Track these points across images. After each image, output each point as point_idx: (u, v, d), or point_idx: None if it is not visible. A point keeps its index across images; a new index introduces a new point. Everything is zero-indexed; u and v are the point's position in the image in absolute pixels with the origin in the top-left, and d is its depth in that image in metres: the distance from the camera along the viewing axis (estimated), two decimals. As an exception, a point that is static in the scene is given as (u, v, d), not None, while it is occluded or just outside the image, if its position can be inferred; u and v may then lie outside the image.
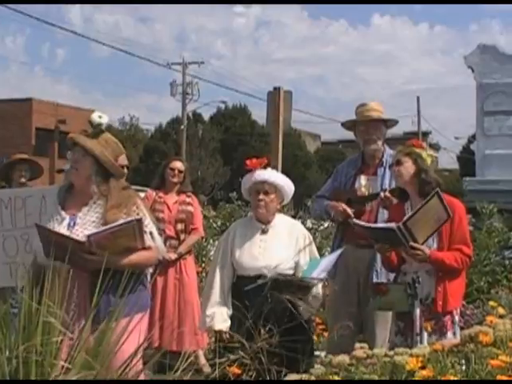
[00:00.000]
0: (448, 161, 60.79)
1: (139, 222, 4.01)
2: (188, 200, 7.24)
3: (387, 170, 5.84)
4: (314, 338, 7.49)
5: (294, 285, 4.80)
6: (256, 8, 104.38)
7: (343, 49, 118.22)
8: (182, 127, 43.88)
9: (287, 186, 5.21)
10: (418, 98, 52.51)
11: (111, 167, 4.19)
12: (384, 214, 5.68)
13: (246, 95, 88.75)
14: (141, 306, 4.00)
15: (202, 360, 6.91)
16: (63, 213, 4.20)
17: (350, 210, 5.71)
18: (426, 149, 5.21)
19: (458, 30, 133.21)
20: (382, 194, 5.57)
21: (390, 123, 6.11)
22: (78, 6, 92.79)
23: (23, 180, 7.74)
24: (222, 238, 5.32)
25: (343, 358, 3.79)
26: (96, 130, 4.26)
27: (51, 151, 42.86)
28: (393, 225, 4.86)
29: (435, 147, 61.69)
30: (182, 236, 7.00)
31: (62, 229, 4.12)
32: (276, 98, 10.18)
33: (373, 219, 5.68)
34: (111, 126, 48.09)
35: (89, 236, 3.97)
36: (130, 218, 4.02)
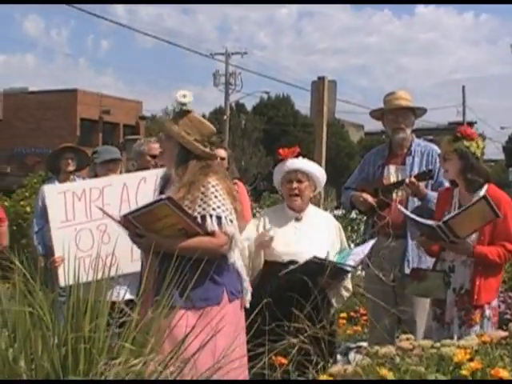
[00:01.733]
0: (493, 151, 60.06)
1: (171, 200, 3.73)
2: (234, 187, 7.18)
3: (416, 158, 5.84)
4: (359, 328, 7.50)
5: (327, 269, 4.77)
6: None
7: (387, 38, 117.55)
8: (225, 117, 43.96)
9: (319, 173, 5.20)
10: (463, 88, 52.03)
11: (194, 148, 4.02)
12: (414, 202, 5.68)
13: (289, 85, 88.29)
14: (208, 301, 3.85)
15: None
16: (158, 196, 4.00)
17: (371, 199, 5.72)
18: (477, 138, 5.09)
19: (503, 19, 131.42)
20: (407, 180, 5.56)
21: (418, 112, 6.07)
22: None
23: (71, 168, 7.78)
24: (250, 225, 5.21)
25: (389, 350, 3.76)
26: (181, 111, 4.09)
27: (95, 141, 43.20)
28: (433, 223, 4.82)
29: (481, 137, 60.96)
30: None
31: None
32: (320, 88, 10.11)
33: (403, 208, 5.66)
34: (155, 116, 48.39)
35: (125, 215, 3.83)
36: (160, 197, 3.81)
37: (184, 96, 4.07)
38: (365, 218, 6.33)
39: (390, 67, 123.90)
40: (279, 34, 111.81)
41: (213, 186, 3.91)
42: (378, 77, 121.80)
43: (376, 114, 6.11)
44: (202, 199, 3.88)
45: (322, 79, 10.21)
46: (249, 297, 4.10)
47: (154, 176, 5.09)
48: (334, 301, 4.99)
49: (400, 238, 5.63)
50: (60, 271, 4.95)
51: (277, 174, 5.21)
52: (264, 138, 47.15)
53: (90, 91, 44.74)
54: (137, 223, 3.81)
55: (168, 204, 3.72)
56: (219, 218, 3.87)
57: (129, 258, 4.57)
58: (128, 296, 3.80)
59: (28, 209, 10.92)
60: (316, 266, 4.73)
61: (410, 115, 5.93)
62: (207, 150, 4.08)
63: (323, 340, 4.03)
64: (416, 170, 5.77)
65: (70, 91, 43.46)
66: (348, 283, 5.12)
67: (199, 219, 3.86)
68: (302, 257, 4.83)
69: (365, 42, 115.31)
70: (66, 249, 4.85)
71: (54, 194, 5.19)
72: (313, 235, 5.04)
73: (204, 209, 3.88)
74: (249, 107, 52.52)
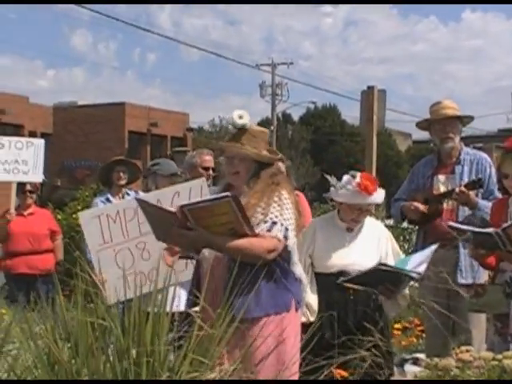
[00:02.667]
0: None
1: (235, 198, 3.73)
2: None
3: (465, 167, 5.81)
4: (413, 339, 7.43)
5: (391, 277, 4.72)
6: (344, 7, 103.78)
7: (433, 46, 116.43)
8: (272, 128, 44.02)
9: (382, 196, 5.08)
10: (512, 95, 51.31)
11: (267, 160, 4.12)
12: (465, 211, 5.63)
13: (335, 95, 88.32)
14: (278, 305, 3.86)
15: None
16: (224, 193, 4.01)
17: (422, 207, 5.69)
18: None
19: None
20: (457, 190, 5.53)
21: (465, 120, 6.05)
22: (167, 11, 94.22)
23: (122, 182, 7.88)
24: (305, 234, 5.03)
25: (449, 362, 3.71)
26: (241, 132, 4.12)
27: (144, 154, 43.58)
28: (491, 230, 4.73)
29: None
30: None
31: None
32: (370, 97, 10.09)
33: (454, 217, 5.61)
34: (202, 128, 48.64)
35: (182, 206, 3.78)
36: (225, 193, 3.80)
37: (240, 117, 4.11)
38: (416, 227, 6.29)
39: (436, 75, 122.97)
40: (324, 44, 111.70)
41: (285, 198, 3.98)
42: (424, 85, 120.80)
43: (423, 125, 6.11)
44: (275, 207, 3.93)
45: (371, 89, 10.19)
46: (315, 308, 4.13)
47: (187, 189, 5.19)
48: (389, 309, 4.92)
49: (451, 247, 5.56)
50: (107, 292, 4.98)
51: (346, 196, 5.00)
52: (311, 148, 47.11)
53: (137, 104, 45.16)
54: (190, 216, 3.76)
55: (231, 202, 3.71)
56: (286, 230, 3.91)
57: (172, 271, 4.58)
58: (182, 308, 3.82)
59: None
60: (382, 274, 4.68)
61: (457, 124, 5.91)
62: (274, 155, 4.20)
63: (386, 352, 4.00)
64: (466, 179, 5.74)
65: (118, 104, 43.91)
66: (405, 291, 5.06)
67: (269, 224, 3.89)
68: (353, 268, 4.81)
69: (410, 50, 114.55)
70: (109, 269, 4.90)
71: (89, 219, 5.27)
72: (364, 246, 5.00)
73: (276, 216, 3.92)
74: (295, 117, 52.60)
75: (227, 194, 3.77)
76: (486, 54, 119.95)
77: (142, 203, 4.03)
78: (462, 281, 5.60)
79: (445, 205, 5.75)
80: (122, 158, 8.23)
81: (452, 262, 5.61)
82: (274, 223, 3.89)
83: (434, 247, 5.18)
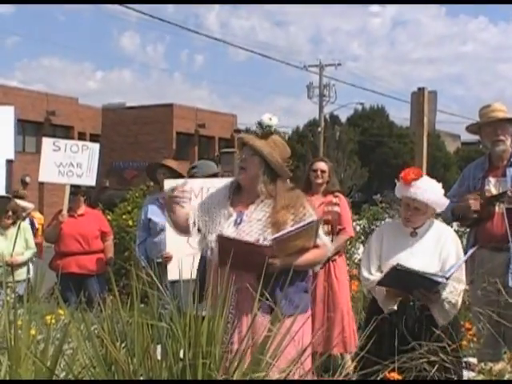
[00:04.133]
0: None
1: (318, 222, 4.07)
2: (335, 200, 7.07)
3: None
4: (464, 343, 7.34)
5: (421, 280, 4.69)
6: (392, 7, 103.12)
7: (483, 46, 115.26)
8: (320, 129, 43.94)
9: (438, 200, 4.95)
10: None
11: (278, 168, 4.24)
12: None
13: (383, 96, 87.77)
14: (303, 308, 4.03)
15: (349, 363, 6.84)
16: (231, 209, 4.28)
17: (476, 202, 5.67)
18: None
19: None
20: (509, 193, 5.53)
21: None
22: (215, 12, 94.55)
23: (164, 185, 7.98)
24: (373, 238, 5.21)
25: (503, 366, 3.68)
26: (266, 132, 4.29)
27: (192, 155, 43.82)
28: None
29: None
30: (329, 238, 6.85)
31: (228, 225, 4.20)
32: (420, 99, 10.02)
33: (505, 220, 5.57)
34: (249, 129, 48.75)
35: (274, 239, 4.00)
36: (311, 219, 4.07)
37: (270, 119, 4.30)
38: (467, 230, 6.24)
39: (486, 75, 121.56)
40: (372, 45, 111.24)
41: (308, 206, 4.24)
42: (473, 85, 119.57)
43: (473, 128, 6.10)
44: (304, 219, 4.14)
45: (421, 90, 10.11)
46: None
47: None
48: (437, 317, 4.86)
49: (502, 250, 5.57)
50: (170, 267, 5.04)
51: (397, 193, 5.06)
52: (359, 149, 46.90)
53: (185, 105, 45.42)
54: (276, 245, 3.98)
55: (314, 226, 4.07)
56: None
57: None
58: None
59: (130, 222, 11.12)
60: (409, 277, 4.65)
61: (507, 126, 5.88)
62: (286, 170, 4.33)
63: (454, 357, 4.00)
64: None
65: (166, 106, 44.21)
66: (453, 298, 4.94)
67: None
68: None
69: (460, 51, 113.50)
70: (178, 245, 4.97)
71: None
72: (425, 250, 4.92)
73: None
74: (343, 119, 52.39)
75: (313, 219, 4.08)
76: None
77: (224, 240, 4.08)
78: None
79: (496, 207, 5.70)
80: (163, 162, 8.23)
81: (503, 266, 5.57)
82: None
83: (471, 250, 5.13)
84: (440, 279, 4.65)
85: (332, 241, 6.74)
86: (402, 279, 4.65)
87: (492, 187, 5.81)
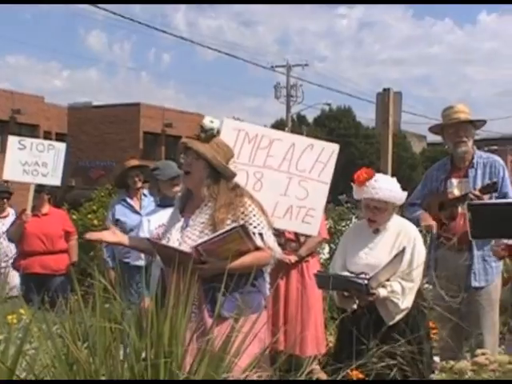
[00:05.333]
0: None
1: (243, 227, 4.04)
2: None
3: (478, 171, 5.84)
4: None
5: (342, 281, 4.77)
6: (359, 8, 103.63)
7: (449, 48, 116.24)
8: (287, 129, 43.94)
9: (395, 195, 5.01)
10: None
11: (223, 170, 4.28)
12: None
13: (350, 96, 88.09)
14: (256, 308, 3.99)
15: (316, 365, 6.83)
16: (179, 215, 4.36)
17: (433, 223, 5.69)
18: None
19: None
20: (470, 195, 5.56)
21: (478, 124, 6.08)
22: (182, 12, 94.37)
23: (139, 185, 7.98)
24: (342, 239, 5.37)
25: (465, 364, 3.72)
26: (208, 135, 4.32)
27: (158, 154, 43.68)
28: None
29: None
30: (302, 239, 6.85)
31: (176, 230, 4.27)
32: (385, 100, 10.05)
33: (466, 221, 5.60)
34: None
35: (195, 247, 4.06)
36: (233, 225, 4.06)
37: (211, 121, 4.37)
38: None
39: (452, 77, 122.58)
40: (339, 45, 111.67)
41: (249, 205, 4.23)
42: (440, 87, 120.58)
43: (435, 129, 6.14)
44: (243, 218, 4.17)
45: (387, 91, 10.14)
46: None
47: (320, 147, 5.31)
48: (384, 315, 4.88)
49: (465, 251, 5.65)
50: None
51: (355, 195, 5.12)
52: (325, 149, 47.02)
53: (152, 105, 45.26)
54: (203, 251, 4.05)
55: (240, 231, 4.03)
56: (261, 235, 4.20)
57: (270, 213, 4.71)
58: None
59: (95, 222, 11.09)
60: (329, 280, 4.72)
61: (470, 128, 5.94)
62: (230, 170, 4.36)
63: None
64: (479, 183, 5.78)
65: (133, 105, 44.03)
66: (395, 297, 4.83)
67: (258, 236, 4.19)
68: (368, 270, 4.81)
69: (426, 52, 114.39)
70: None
71: (230, 129, 5.17)
72: (384, 247, 4.96)
73: (256, 226, 4.19)
74: (310, 119, 52.55)
75: (236, 225, 4.05)
76: (502, 56, 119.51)
77: (158, 246, 4.23)
78: (475, 284, 5.64)
79: (459, 208, 5.75)
80: (136, 163, 8.24)
81: (465, 266, 5.64)
82: (261, 234, 4.19)
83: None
84: (361, 281, 4.69)
85: (305, 242, 6.72)
86: (332, 282, 4.71)
87: (455, 188, 5.87)
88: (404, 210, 6.13)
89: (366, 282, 4.64)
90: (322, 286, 5.03)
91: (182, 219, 4.33)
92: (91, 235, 4.59)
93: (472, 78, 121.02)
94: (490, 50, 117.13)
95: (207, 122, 4.36)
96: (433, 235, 5.93)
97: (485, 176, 5.80)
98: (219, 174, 4.28)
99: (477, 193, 5.54)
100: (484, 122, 6.11)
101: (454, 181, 5.90)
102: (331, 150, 5.33)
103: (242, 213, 4.17)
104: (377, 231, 5.03)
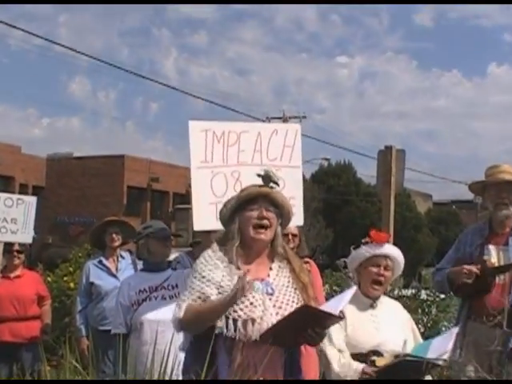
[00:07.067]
0: None
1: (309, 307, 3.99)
2: (306, 267, 6.99)
3: None
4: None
5: (415, 366, 4.65)
6: (360, 58, 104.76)
7: (456, 101, 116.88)
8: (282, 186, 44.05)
9: (402, 260, 5.08)
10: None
11: (287, 225, 4.26)
12: None
13: (350, 152, 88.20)
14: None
15: None
16: (250, 278, 3.90)
17: (476, 269, 5.52)
18: None
19: None
20: None
21: None
22: (172, 59, 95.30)
23: (116, 244, 7.85)
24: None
25: None
26: (274, 185, 4.20)
27: (143, 211, 43.67)
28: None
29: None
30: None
31: (261, 297, 3.98)
32: (387, 158, 10.11)
33: (506, 294, 5.50)
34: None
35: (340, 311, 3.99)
36: (301, 305, 3.97)
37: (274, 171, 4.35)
38: (454, 299, 6.13)
39: (459, 132, 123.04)
40: (339, 97, 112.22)
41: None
42: (446, 143, 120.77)
43: (476, 188, 6.00)
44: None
45: (389, 148, 10.22)
46: None
47: (284, 130, 5.53)
48: None
49: (499, 326, 5.42)
50: (195, 215, 5.09)
51: (361, 254, 5.03)
52: (323, 208, 46.98)
53: (138, 157, 45.39)
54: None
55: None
56: None
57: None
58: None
59: (72, 285, 10.99)
60: (409, 365, 4.63)
61: None
62: None
63: None
64: None
65: (117, 157, 44.18)
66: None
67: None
68: (386, 347, 4.78)
69: (432, 106, 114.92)
70: (202, 191, 5.18)
71: (197, 132, 5.33)
72: (391, 324, 4.94)
73: None
74: (307, 175, 52.45)
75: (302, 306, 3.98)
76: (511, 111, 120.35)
77: (306, 308, 4.00)
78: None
79: (497, 278, 5.61)
80: (115, 218, 8.19)
81: (500, 343, 5.35)
82: None
83: (455, 331, 5.01)
84: (441, 363, 4.65)
85: None
86: (400, 367, 4.64)
87: (492, 256, 5.68)
88: (432, 276, 6.07)
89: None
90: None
91: (257, 282, 3.99)
92: None
93: (480, 134, 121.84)
94: (500, 104, 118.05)
95: (270, 170, 4.23)
96: (464, 305, 5.79)
97: None
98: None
99: None
100: None
101: (492, 248, 5.72)
102: (294, 130, 5.61)
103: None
104: (375, 305, 5.00)
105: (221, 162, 5.25)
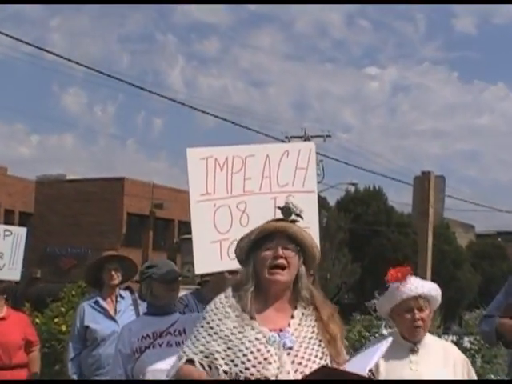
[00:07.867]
0: None
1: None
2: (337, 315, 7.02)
3: None
4: None
5: None
6: (392, 69, 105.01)
7: (501, 118, 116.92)
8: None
9: (438, 293, 5.03)
10: None
11: (313, 266, 4.24)
12: None
13: (381, 176, 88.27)
14: None
15: None
16: (264, 329, 3.94)
17: None
18: None
19: None
20: None
21: None
22: (178, 69, 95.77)
23: (116, 282, 7.82)
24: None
25: None
26: (295, 218, 4.15)
27: (145, 242, 43.75)
28: None
29: None
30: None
31: (277, 353, 3.89)
32: (425, 186, 10.05)
33: None
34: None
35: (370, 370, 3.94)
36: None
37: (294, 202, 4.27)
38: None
39: (505, 154, 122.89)
40: (368, 113, 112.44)
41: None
42: (490, 166, 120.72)
43: None
44: None
45: (427, 174, 10.16)
46: None
47: (296, 151, 5.53)
48: None
49: None
50: (196, 257, 5.07)
51: (388, 300, 5.01)
52: (350, 239, 47.01)
53: (139, 180, 45.53)
54: None
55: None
56: None
57: None
58: None
59: (64, 328, 11.01)
60: None
61: None
62: None
63: None
64: None
65: (115, 180, 44.35)
66: None
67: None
68: None
69: (474, 123, 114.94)
70: (204, 228, 5.13)
71: (197, 160, 5.24)
72: (433, 371, 4.87)
73: None
74: (332, 202, 52.64)
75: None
76: None
77: (327, 370, 3.92)
78: None
79: None
80: (114, 253, 8.17)
81: None
82: None
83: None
84: None
85: None
86: None
87: None
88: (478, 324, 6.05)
89: None
90: None
91: (270, 333, 3.93)
92: None
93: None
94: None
95: (291, 203, 4.18)
96: None
97: None
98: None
99: None
100: None
101: None
102: (308, 149, 5.61)
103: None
104: (416, 350, 4.95)
105: (224, 192, 5.23)
